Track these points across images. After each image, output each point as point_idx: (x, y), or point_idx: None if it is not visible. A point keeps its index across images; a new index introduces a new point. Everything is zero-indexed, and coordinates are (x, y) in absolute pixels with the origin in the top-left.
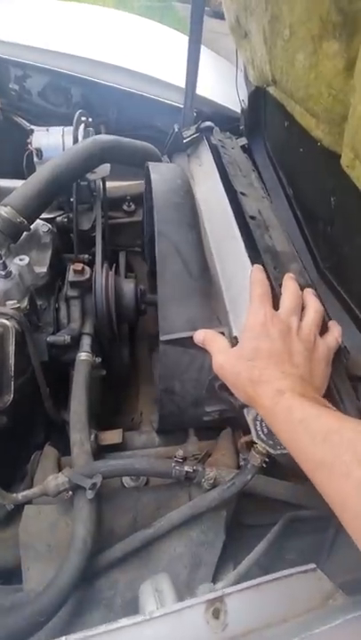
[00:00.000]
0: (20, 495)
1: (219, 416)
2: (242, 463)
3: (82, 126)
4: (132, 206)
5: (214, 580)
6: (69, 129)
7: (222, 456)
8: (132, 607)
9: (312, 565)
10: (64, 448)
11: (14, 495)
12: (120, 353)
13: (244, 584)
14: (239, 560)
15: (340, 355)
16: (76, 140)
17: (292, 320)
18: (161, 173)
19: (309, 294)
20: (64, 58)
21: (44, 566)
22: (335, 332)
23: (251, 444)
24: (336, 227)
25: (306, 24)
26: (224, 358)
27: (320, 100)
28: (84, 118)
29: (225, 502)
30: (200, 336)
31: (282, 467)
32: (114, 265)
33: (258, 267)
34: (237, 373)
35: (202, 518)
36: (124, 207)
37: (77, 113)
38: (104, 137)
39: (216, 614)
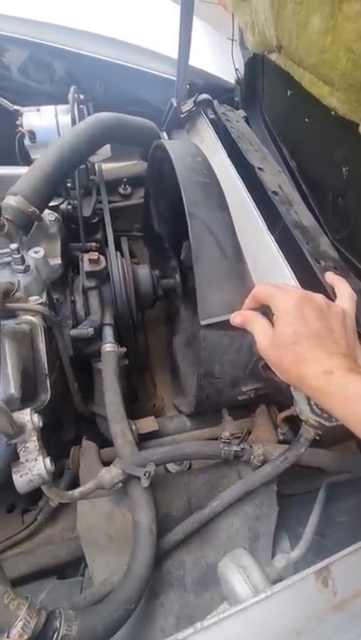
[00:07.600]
0: (77, 492)
1: (254, 394)
2: (280, 437)
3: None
4: (128, 189)
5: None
6: (62, 107)
7: (263, 432)
8: (204, 584)
9: None
10: (96, 440)
11: (70, 492)
12: (136, 340)
13: (344, 551)
14: (289, 527)
15: None
16: (74, 120)
17: (322, 297)
18: (177, 152)
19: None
20: (45, 28)
21: (108, 556)
22: (348, 296)
23: (290, 419)
24: (348, 197)
25: None
26: (267, 343)
27: (337, 66)
28: (77, 95)
29: (277, 476)
30: (238, 318)
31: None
32: (126, 252)
33: None
34: (280, 358)
35: (254, 493)
36: (120, 190)
37: (72, 89)
38: (105, 115)
39: (325, 583)
